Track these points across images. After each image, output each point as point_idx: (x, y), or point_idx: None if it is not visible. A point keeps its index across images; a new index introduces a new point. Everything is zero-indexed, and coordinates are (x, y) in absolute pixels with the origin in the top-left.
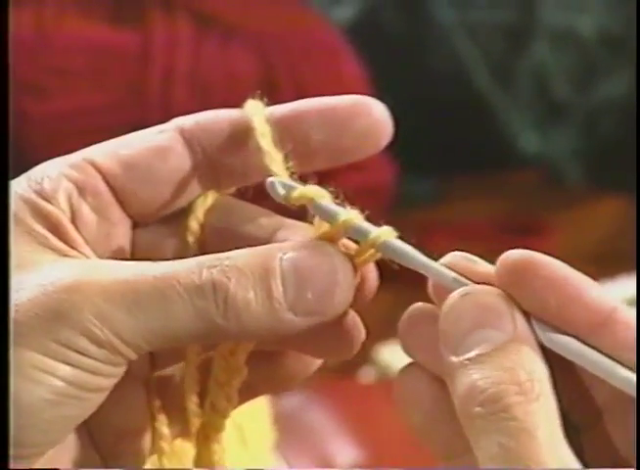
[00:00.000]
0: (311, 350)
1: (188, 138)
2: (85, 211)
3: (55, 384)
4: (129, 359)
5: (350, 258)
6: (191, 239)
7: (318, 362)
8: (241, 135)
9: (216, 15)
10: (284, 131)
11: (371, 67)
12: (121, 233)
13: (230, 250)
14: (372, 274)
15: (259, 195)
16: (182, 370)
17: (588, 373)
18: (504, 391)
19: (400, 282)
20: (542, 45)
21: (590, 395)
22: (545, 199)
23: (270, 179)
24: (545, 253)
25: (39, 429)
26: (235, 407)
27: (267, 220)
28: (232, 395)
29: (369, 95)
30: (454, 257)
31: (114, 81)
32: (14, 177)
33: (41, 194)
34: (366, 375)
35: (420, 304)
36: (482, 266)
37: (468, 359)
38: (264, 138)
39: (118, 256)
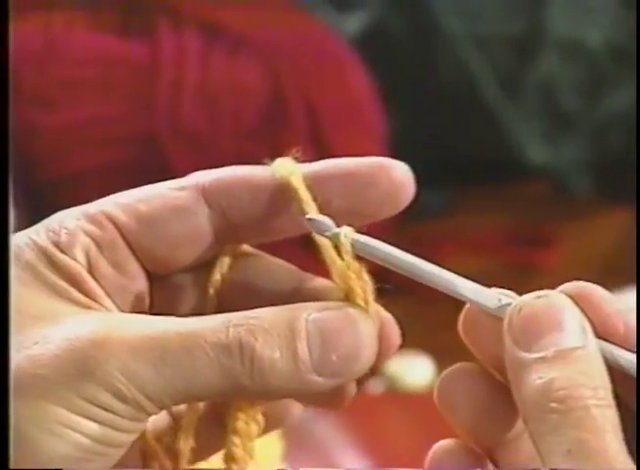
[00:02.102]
0: (302, 398)
1: (208, 198)
2: (102, 264)
3: (78, 440)
4: (152, 415)
5: (367, 310)
6: (212, 292)
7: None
8: (264, 195)
9: (224, 26)
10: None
11: (379, 78)
12: (139, 286)
13: (248, 304)
14: (395, 336)
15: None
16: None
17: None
18: (582, 393)
19: (409, 294)
20: (550, 57)
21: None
22: (553, 210)
23: (311, 216)
24: (553, 264)
25: None
26: (252, 457)
27: (287, 274)
28: (251, 446)
29: (377, 106)
30: None
31: (123, 93)
32: (21, 190)
33: (59, 246)
34: (375, 387)
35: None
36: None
37: (542, 357)
38: (309, 205)
39: (137, 308)
